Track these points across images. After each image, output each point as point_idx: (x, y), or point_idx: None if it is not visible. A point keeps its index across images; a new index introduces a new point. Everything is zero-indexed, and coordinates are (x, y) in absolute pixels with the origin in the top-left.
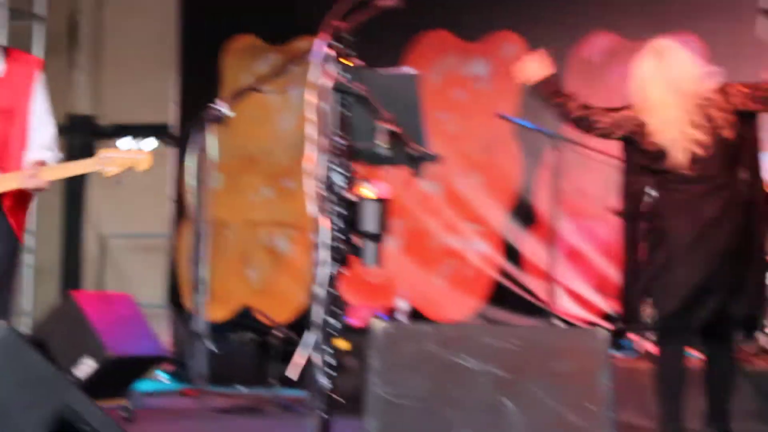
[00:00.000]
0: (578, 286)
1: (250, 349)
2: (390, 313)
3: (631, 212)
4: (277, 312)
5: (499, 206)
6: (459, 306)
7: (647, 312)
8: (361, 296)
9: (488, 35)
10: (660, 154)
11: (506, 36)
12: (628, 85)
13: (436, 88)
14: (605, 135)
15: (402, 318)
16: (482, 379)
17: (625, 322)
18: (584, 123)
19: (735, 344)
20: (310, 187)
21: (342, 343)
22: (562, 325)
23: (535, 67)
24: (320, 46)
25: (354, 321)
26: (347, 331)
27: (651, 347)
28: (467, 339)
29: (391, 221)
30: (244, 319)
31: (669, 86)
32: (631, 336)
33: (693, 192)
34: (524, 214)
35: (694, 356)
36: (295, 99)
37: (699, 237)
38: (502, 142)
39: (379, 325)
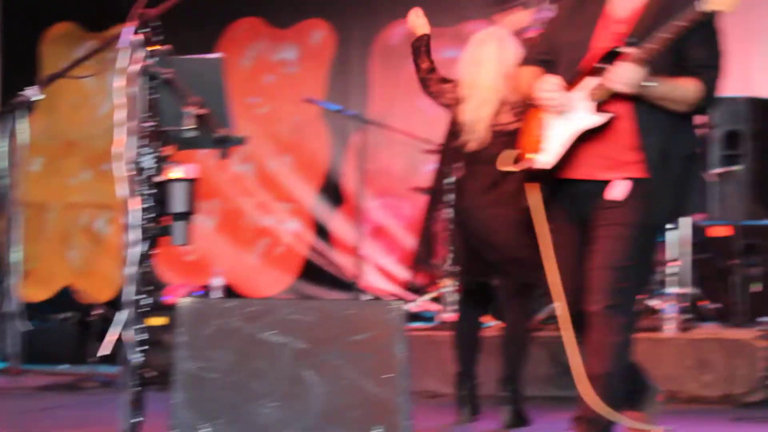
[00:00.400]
0: (384, 261)
1: (70, 328)
2: (205, 290)
3: (435, 189)
4: (98, 291)
5: (309, 186)
6: (272, 282)
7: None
8: (178, 274)
9: (298, 22)
10: (461, 132)
11: (315, 23)
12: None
13: (247, 74)
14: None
15: (217, 295)
16: (284, 351)
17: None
18: (438, 94)
19: (529, 313)
20: (120, 169)
21: (157, 320)
22: (368, 297)
23: (420, 21)
24: (128, 33)
25: (171, 298)
26: (164, 308)
27: (450, 317)
28: (269, 313)
29: (205, 202)
30: (65, 298)
31: (499, 71)
32: (432, 307)
33: (485, 172)
34: (333, 193)
35: (491, 324)
36: (111, 84)
37: (490, 211)
38: (311, 124)
39: (184, 301)
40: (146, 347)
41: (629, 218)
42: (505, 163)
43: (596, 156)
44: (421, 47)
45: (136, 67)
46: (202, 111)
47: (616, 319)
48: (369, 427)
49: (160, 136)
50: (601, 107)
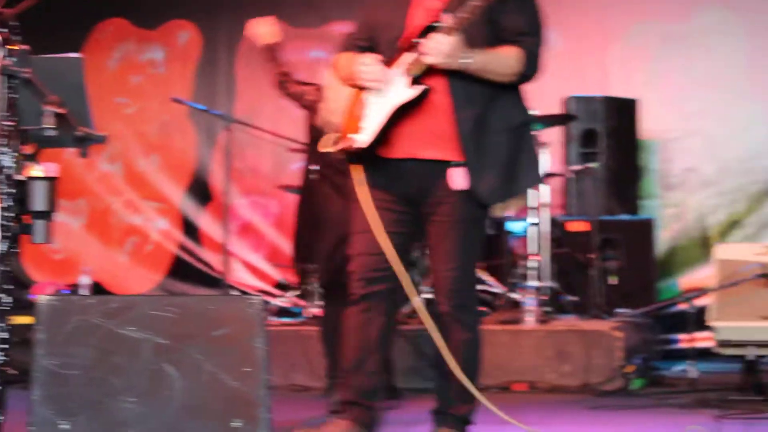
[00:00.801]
0: (252, 258)
1: None
2: (73, 289)
3: (304, 188)
4: None
5: (177, 185)
6: (142, 280)
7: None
8: (46, 273)
9: (164, 23)
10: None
11: (181, 24)
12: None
13: (114, 74)
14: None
15: (85, 293)
16: (144, 346)
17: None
18: (297, 96)
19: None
20: None
21: (23, 319)
22: (236, 293)
23: (265, 30)
24: None
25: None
26: (31, 307)
27: (317, 311)
28: (129, 309)
29: (73, 201)
30: None
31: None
32: (301, 302)
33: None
34: (201, 191)
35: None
36: None
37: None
38: (178, 124)
39: (43, 299)
40: (7, 346)
41: (461, 210)
42: (325, 145)
43: (415, 133)
44: (273, 55)
45: None
46: (61, 110)
47: (463, 318)
48: (229, 421)
49: (19, 135)
50: (416, 82)
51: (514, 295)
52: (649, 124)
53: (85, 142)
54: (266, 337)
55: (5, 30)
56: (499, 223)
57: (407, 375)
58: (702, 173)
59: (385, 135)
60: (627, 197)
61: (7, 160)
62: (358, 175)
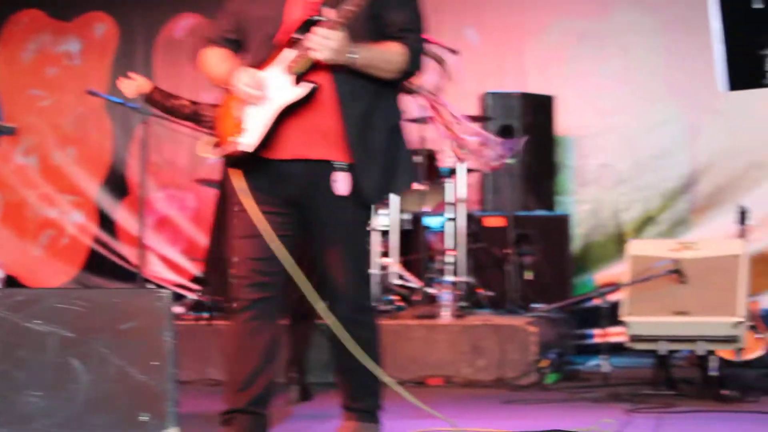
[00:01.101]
0: (169, 251)
1: None
2: None
3: (222, 182)
4: None
5: (93, 178)
6: (57, 273)
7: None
8: None
9: (81, 15)
10: None
11: (98, 16)
12: None
13: (30, 66)
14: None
15: None
16: (50, 340)
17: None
18: (197, 117)
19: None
20: None
21: None
22: (151, 287)
23: (133, 86)
24: None
25: None
26: None
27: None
28: (35, 302)
29: None
30: None
31: None
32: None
33: None
34: (117, 185)
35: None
36: None
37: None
38: (95, 116)
39: None
40: None
41: (348, 211)
42: (204, 150)
43: (300, 132)
44: (166, 94)
45: None
46: None
47: (363, 318)
48: (136, 414)
49: None
50: (300, 80)
51: (431, 290)
52: (565, 121)
53: None
54: (174, 331)
55: None
56: (417, 218)
57: (321, 370)
58: (617, 170)
59: (269, 136)
60: (543, 193)
61: None
62: (239, 182)
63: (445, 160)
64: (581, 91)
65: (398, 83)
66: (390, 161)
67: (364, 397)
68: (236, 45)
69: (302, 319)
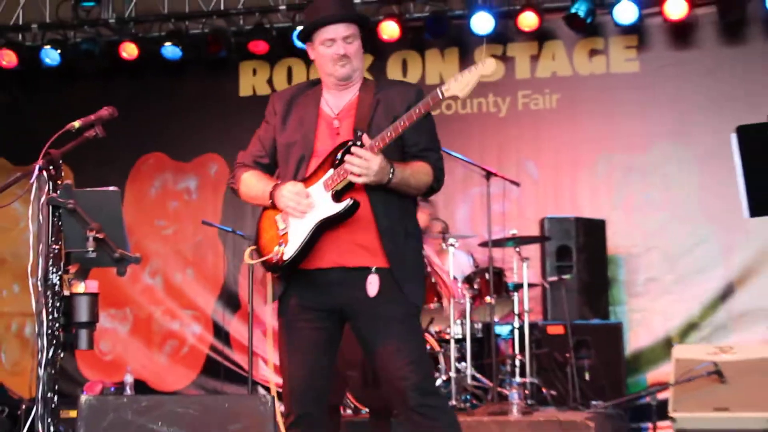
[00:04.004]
0: (276, 358)
1: (2, 420)
2: (119, 386)
3: None
4: (25, 388)
5: (209, 295)
6: (179, 378)
7: None
8: (97, 373)
9: (197, 157)
10: None
11: (211, 158)
12: None
13: (154, 200)
14: None
15: (128, 390)
16: None
17: None
18: None
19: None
20: (33, 286)
21: (75, 413)
22: (262, 390)
23: None
24: (36, 170)
25: (90, 393)
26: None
27: None
28: (157, 407)
29: (120, 309)
30: None
31: None
32: None
33: None
34: (230, 300)
35: None
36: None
37: None
38: (210, 242)
39: (84, 398)
40: None
41: (397, 311)
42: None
43: (340, 243)
44: None
45: (44, 199)
46: (100, 235)
47: (436, 405)
48: None
49: (65, 257)
50: (340, 197)
51: (502, 390)
52: (615, 241)
53: (122, 262)
54: (277, 431)
55: (52, 167)
56: (487, 326)
57: None
58: (662, 283)
59: (309, 247)
60: (598, 304)
61: (55, 279)
62: (276, 286)
63: (511, 276)
64: (628, 215)
65: (416, 197)
66: (420, 271)
67: None
68: (268, 168)
69: (383, 412)
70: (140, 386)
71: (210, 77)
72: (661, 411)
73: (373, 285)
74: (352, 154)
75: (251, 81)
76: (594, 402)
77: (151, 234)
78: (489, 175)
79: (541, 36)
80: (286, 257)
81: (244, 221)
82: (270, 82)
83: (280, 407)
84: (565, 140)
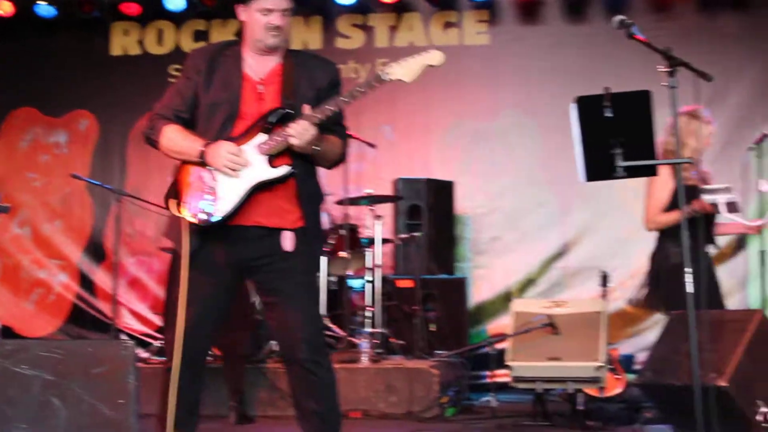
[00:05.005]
0: (138, 307)
1: None
2: None
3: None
4: None
5: (76, 246)
6: (45, 325)
7: None
8: None
9: (68, 113)
10: None
11: (82, 114)
12: None
13: (25, 153)
14: None
15: None
16: (34, 382)
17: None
18: None
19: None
20: None
21: None
22: (125, 337)
23: None
24: None
25: None
26: None
27: None
28: (23, 351)
29: None
30: None
31: None
32: None
33: None
34: (96, 252)
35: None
36: None
37: None
38: (78, 195)
39: None
40: None
41: (304, 266)
42: (172, 208)
43: (265, 204)
44: None
45: None
46: None
47: (322, 362)
48: None
49: None
50: (272, 161)
51: (353, 339)
52: (462, 202)
53: None
54: (137, 374)
55: None
56: (341, 279)
57: (263, 405)
58: (505, 241)
59: (240, 206)
60: (445, 260)
61: None
62: (188, 245)
63: (364, 232)
64: (475, 178)
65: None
66: (321, 228)
67: None
68: (187, 123)
69: (237, 358)
70: (7, 332)
71: (83, 36)
72: (499, 360)
73: (288, 241)
74: (287, 121)
75: (122, 41)
76: (438, 351)
77: (22, 186)
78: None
79: (400, 8)
80: (219, 214)
81: (112, 175)
82: (141, 43)
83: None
84: (420, 107)
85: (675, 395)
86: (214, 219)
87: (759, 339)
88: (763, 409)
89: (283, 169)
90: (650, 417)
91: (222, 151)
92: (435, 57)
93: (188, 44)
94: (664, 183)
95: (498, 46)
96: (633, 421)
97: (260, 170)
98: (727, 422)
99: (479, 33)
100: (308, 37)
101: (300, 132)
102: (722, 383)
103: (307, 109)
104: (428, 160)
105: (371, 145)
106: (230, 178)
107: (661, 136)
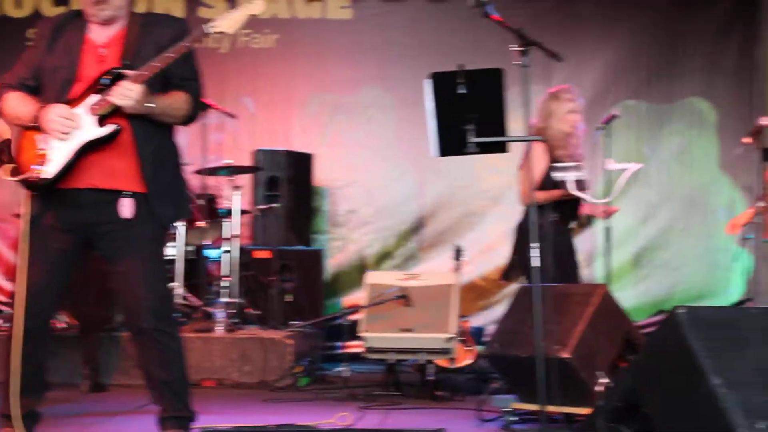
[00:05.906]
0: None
1: None
2: None
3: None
4: None
5: None
6: None
7: None
8: None
9: None
10: None
11: None
12: None
13: None
14: None
15: None
16: None
17: None
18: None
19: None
20: None
21: None
22: None
23: None
24: None
25: None
26: None
27: None
28: None
29: None
30: None
31: None
32: None
33: None
34: None
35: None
36: None
37: None
38: None
39: None
40: None
41: (146, 233)
42: (5, 174)
43: (99, 166)
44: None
45: None
46: None
47: (169, 331)
48: None
49: None
50: (103, 121)
51: (208, 309)
52: (321, 174)
53: None
54: None
55: None
56: (199, 249)
57: (117, 373)
58: (361, 214)
59: (69, 167)
60: (302, 232)
61: None
62: (28, 208)
63: (223, 203)
64: (334, 151)
65: (176, 125)
66: (178, 193)
67: (180, 406)
68: (33, 90)
69: (92, 327)
70: None
71: None
72: (353, 331)
73: (125, 207)
74: (117, 81)
75: None
76: (293, 322)
77: None
78: (206, 107)
79: None
80: (46, 176)
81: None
82: None
83: None
84: (281, 79)
85: (520, 366)
86: (43, 179)
87: (602, 313)
88: (603, 380)
89: (108, 128)
90: (496, 387)
91: (52, 114)
92: (256, 6)
93: (48, 8)
94: (538, 161)
95: (360, 20)
96: (480, 392)
97: (89, 130)
98: (568, 392)
99: (342, 7)
100: (171, 5)
101: (122, 92)
102: (565, 355)
103: (132, 70)
104: (289, 132)
105: (231, 116)
106: (63, 140)
107: (533, 118)
